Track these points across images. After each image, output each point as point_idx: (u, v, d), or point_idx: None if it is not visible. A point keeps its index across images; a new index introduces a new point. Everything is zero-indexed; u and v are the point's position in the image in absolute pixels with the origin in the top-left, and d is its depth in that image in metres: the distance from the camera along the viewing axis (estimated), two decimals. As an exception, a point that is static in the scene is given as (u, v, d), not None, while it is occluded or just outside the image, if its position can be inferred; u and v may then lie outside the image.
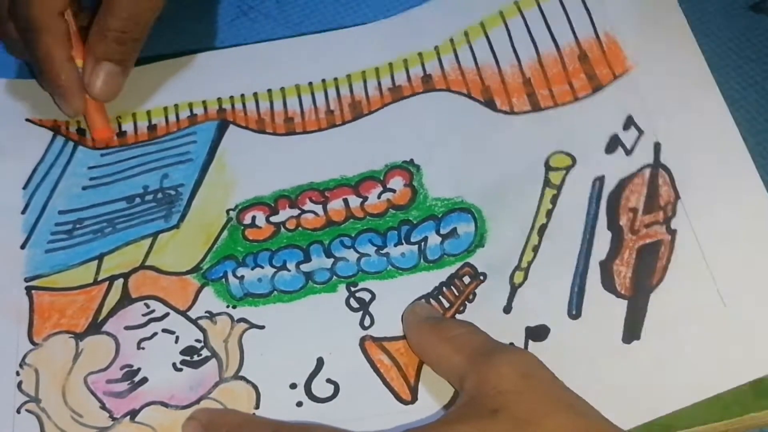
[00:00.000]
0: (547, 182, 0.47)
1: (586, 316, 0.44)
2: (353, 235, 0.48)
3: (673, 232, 0.45)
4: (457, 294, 0.46)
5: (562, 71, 0.51)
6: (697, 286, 0.43)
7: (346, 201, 0.49)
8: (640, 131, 0.48)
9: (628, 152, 0.47)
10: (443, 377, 0.42)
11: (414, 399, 0.43)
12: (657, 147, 0.47)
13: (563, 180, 0.47)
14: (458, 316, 0.45)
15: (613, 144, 0.48)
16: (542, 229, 0.46)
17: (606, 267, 0.45)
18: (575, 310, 0.44)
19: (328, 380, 0.44)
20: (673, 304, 0.43)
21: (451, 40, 0.53)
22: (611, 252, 0.45)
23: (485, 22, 0.53)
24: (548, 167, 0.48)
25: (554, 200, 0.47)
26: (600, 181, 0.47)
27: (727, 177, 0.46)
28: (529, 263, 0.46)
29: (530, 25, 0.52)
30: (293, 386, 0.44)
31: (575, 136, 0.48)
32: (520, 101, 0.50)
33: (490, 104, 0.51)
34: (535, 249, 0.46)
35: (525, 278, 0.45)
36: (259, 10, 0.57)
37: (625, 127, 0.48)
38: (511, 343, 0.44)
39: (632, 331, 0.43)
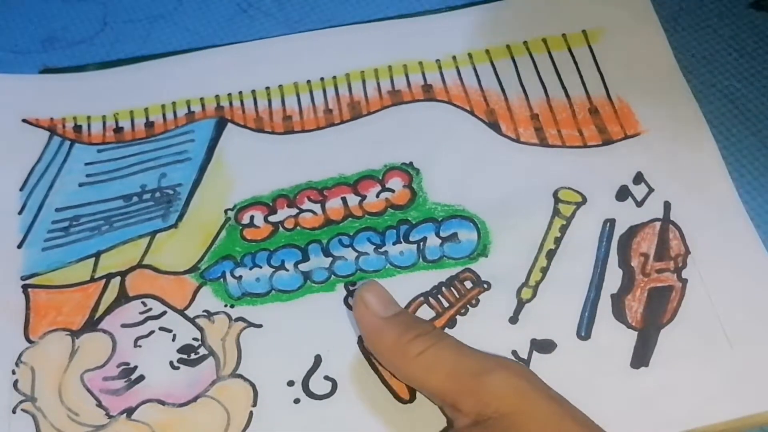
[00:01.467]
0: (556, 212, 0.48)
1: (595, 338, 0.44)
2: (352, 233, 0.48)
3: (684, 281, 0.45)
4: (457, 296, 0.46)
5: (571, 118, 0.51)
6: (706, 329, 0.44)
7: (344, 200, 0.49)
8: (651, 188, 0.48)
9: (639, 204, 0.48)
10: (422, 394, 0.43)
11: (412, 398, 0.43)
12: (667, 205, 0.48)
13: (573, 214, 0.48)
14: (460, 319, 0.45)
15: (624, 193, 0.48)
16: (551, 254, 0.47)
17: (617, 300, 0.45)
18: (584, 332, 0.45)
19: (326, 377, 0.44)
20: (682, 341, 0.44)
21: (454, 58, 0.54)
22: (623, 288, 0.46)
23: (490, 50, 0.54)
24: (557, 199, 0.48)
25: (563, 230, 0.47)
26: (611, 223, 0.47)
27: (731, 239, 0.46)
28: (538, 282, 0.46)
29: (539, 68, 0.53)
30: (291, 383, 0.44)
31: (585, 178, 0.49)
32: (527, 132, 0.51)
33: (494, 126, 0.51)
34: (544, 270, 0.46)
35: (534, 295, 0.46)
36: (259, 7, 0.57)
37: (635, 182, 0.49)
38: (514, 352, 0.44)
39: (641, 358, 0.44)
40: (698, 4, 0.55)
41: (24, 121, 0.53)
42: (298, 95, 0.53)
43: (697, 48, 0.53)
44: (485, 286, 0.46)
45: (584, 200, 0.48)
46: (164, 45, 0.56)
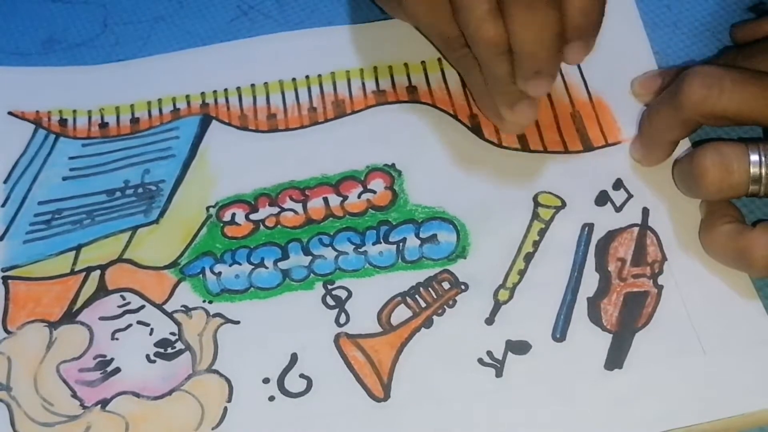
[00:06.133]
0: (535, 215, 0.49)
1: (570, 341, 0.46)
2: (332, 233, 0.50)
3: (659, 287, 0.47)
4: (435, 297, 0.48)
5: (553, 122, 0.53)
6: (680, 334, 0.46)
7: (326, 200, 0.51)
8: (630, 194, 0.50)
9: (617, 209, 0.49)
10: None
11: (387, 396, 0.45)
12: (645, 211, 0.49)
13: (552, 218, 0.49)
14: (437, 319, 0.47)
15: (603, 198, 0.50)
16: (528, 256, 0.48)
17: (593, 303, 0.47)
18: (559, 334, 0.46)
19: (302, 375, 0.45)
20: (656, 346, 0.45)
21: (439, 60, 0.55)
22: (599, 292, 0.47)
23: None
24: (537, 203, 0.50)
25: (542, 233, 0.49)
26: (589, 227, 0.49)
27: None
28: (515, 284, 0.48)
29: None
30: (266, 381, 0.45)
31: (565, 183, 0.50)
32: (509, 137, 0.52)
33: (476, 131, 0.53)
34: (521, 273, 0.48)
35: (510, 297, 0.47)
36: (259, 10, 0.59)
37: (615, 188, 0.50)
38: (489, 352, 0.46)
39: (615, 360, 0.45)
40: (698, 7, 0.56)
41: (10, 113, 0.55)
42: (283, 93, 0.55)
43: (696, 52, 0.54)
44: (463, 287, 0.48)
45: (563, 204, 0.50)
46: (164, 47, 0.57)
